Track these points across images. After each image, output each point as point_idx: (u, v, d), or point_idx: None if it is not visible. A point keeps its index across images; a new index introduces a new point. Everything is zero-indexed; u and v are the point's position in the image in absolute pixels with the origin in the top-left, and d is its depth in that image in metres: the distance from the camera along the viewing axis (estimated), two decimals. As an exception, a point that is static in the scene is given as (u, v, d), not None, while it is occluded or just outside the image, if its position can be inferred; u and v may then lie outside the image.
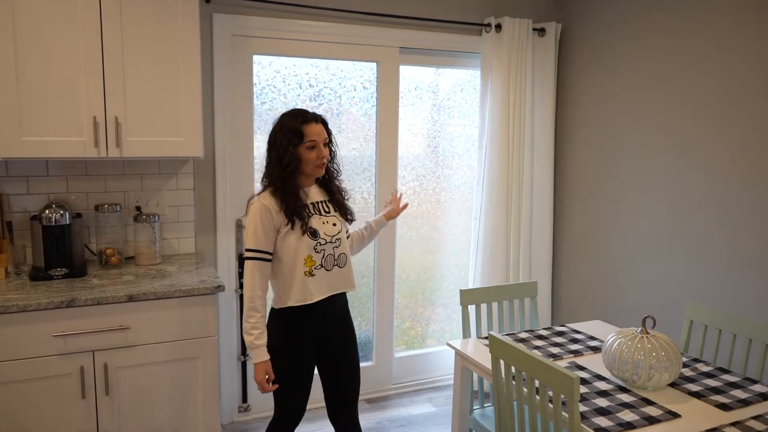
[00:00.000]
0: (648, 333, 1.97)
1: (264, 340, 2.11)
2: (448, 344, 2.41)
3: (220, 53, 3.00)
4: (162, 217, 2.97)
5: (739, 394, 1.96)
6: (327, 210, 2.23)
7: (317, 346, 2.24)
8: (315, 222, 2.16)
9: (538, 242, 3.69)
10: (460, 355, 2.36)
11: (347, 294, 2.32)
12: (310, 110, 2.18)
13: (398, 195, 2.58)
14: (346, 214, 2.30)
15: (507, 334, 2.48)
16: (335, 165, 2.28)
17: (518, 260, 3.63)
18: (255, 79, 3.15)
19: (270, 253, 2.13)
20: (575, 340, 2.42)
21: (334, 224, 2.21)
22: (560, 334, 2.50)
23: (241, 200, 3.16)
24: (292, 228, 2.10)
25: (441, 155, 3.73)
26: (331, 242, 2.17)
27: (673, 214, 3.00)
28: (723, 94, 2.73)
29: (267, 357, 2.11)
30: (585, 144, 3.52)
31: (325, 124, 2.19)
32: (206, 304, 2.50)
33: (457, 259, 3.82)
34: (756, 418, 1.79)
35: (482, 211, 3.57)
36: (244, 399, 3.32)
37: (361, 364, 2.99)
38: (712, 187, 2.80)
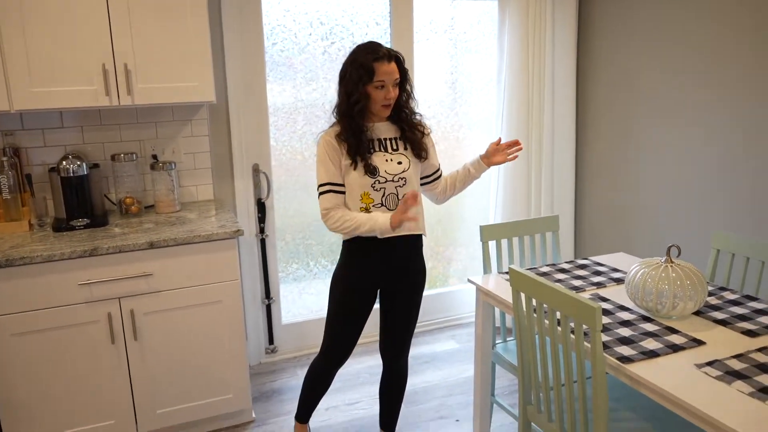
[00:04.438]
0: (672, 262, 1.93)
1: (372, 214, 2.06)
2: (469, 280, 2.41)
3: (227, -7, 2.92)
4: (179, 164, 2.96)
5: (766, 320, 1.92)
6: (395, 147, 2.16)
7: (381, 284, 2.23)
8: (377, 159, 2.11)
9: (559, 177, 3.61)
10: (481, 291, 2.35)
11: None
12: (384, 46, 2.07)
13: (503, 142, 2.34)
14: (419, 151, 2.19)
15: (528, 269, 2.46)
16: (410, 105, 2.18)
17: (540, 196, 3.57)
18: (264, 19, 3.07)
19: (341, 185, 2.11)
20: (598, 273, 2.40)
21: (400, 162, 2.14)
22: (582, 267, 2.47)
23: (256, 145, 3.14)
24: (355, 167, 2.08)
25: (459, 92, 3.64)
26: (392, 181, 2.11)
27: (698, 143, 2.90)
28: (753, 20, 2.58)
29: (387, 219, 2.03)
30: (608, 76, 3.38)
31: (399, 62, 2.08)
32: (227, 248, 2.51)
33: (478, 197, 3.77)
34: (783, 343, 1.76)
35: (502, 147, 3.50)
36: (271, 341, 3.38)
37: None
38: (738, 114, 2.69)
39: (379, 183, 2.10)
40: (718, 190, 2.83)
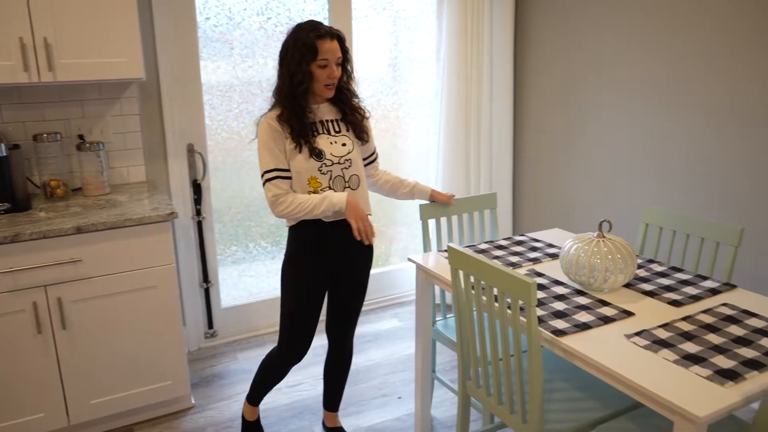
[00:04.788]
0: (604, 237, 1.99)
1: (325, 193, 2.04)
2: (409, 259, 2.41)
3: (155, -35, 2.78)
4: (107, 144, 2.83)
5: (690, 290, 2.01)
6: (337, 129, 2.14)
7: (330, 266, 2.19)
8: (321, 142, 2.08)
9: (498, 155, 3.66)
10: (421, 269, 2.36)
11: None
12: (325, 24, 2.02)
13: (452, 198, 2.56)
14: (360, 134, 2.19)
15: (468, 246, 2.49)
16: (351, 86, 2.16)
17: (479, 174, 3.62)
18: (195, -7, 2.95)
19: (287, 170, 2.06)
20: (534, 249, 2.45)
21: (344, 144, 2.12)
22: (519, 243, 2.52)
23: (190, 124, 3.04)
24: (300, 150, 2.03)
25: (399, 70, 3.62)
26: (339, 163, 2.09)
27: (628, 122, 2.99)
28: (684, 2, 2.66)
29: (345, 194, 2.05)
30: (547, 56, 3.44)
31: (341, 41, 2.04)
32: (160, 232, 2.43)
33: (418, 175, 3.78)
34: (705, 311, 1.85)
35: (442, 125, 3.51)
36: (210, 325, 3.32)
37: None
38: (663, 93, 2.78)
39: (326, 166, 2.07)
40: (648, 167, 2.94)
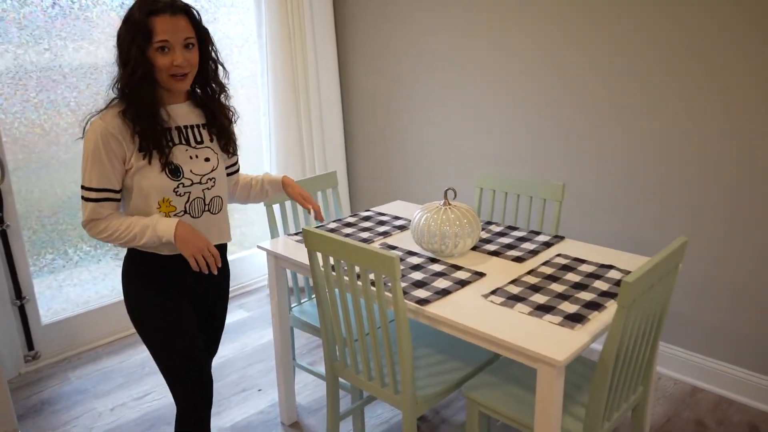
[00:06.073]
0: (450, 204, 2.07)
1: (149, 220, 1.60)
2: (259, 246, 2.31)
3: None
4: None
5: (528, 246, 2.18)
6: (199, 139, 1.70)
7: (192, 299, 1.79)
8: (179, 155, 1.64)
9: (329, 133, 3.64)
10: (272, 256, 2.28)
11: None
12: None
13: (314, 211, 1.99)
14: (227, 145, 1.77)
15: (316, 227, 2.45)
16: (218, 78, 1.72)
17: (312, 154, 3.57)
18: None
19: (117, 191, 1.61)
20: (382, 222, 2.48)
21: (207, 158, 1.70)
22: (367, 219, 2.54)
23: (-22, 119, 2.59)
24: (149, 162, 1.59)
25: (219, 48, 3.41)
26: (200, 183, 1.67)
27: (456, 90, 3.14)
28: (490, -32, 2.83)
29: (173, 222, 1.60)
30: (367, 34, 3.46)
31: (190, 16, 1.60)
32: (-43, 248, 2.05)
33: (251, 159, 3.64)
34: (545, 264, 2.01)
35: (271, 106, 3.40)
36: (30, 347, 2.91)
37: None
38: (487, 65, 2.96)
39: (183, 186, 1.64)
40: (477, 133, 3.11)
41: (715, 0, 2.23)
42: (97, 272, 3.13)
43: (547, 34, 2.71)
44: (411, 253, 2.14)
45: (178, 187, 1.64)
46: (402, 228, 2.40)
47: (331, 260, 1.84)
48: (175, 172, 1.63)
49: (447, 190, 2.11)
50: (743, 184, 2.30)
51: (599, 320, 1.65)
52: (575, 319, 1.64)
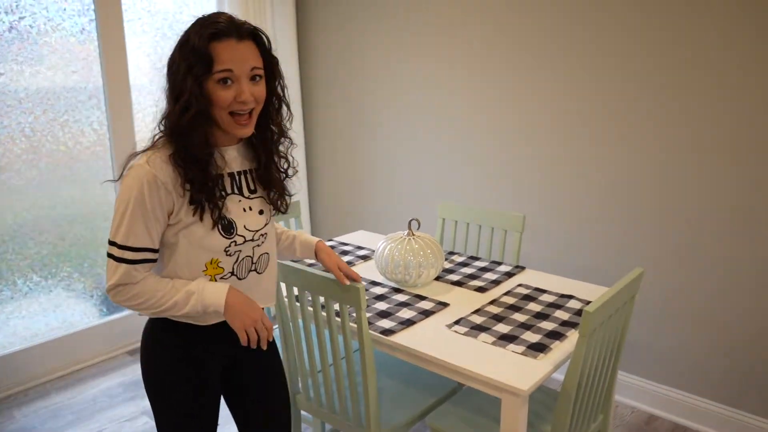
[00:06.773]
0: (414, 234, 2.09)
1: (194, 285, 1.35)
2: (219, 277, 2.27)
3: None
4: None
5: (490, 276, 2.21)
6: (252, 188, 1.45)
7: (223, 376, 1.55)
8: (232, 208, 1.39)
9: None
10: (233, 286, 2.24)
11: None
12: (234, 17, 1.32)
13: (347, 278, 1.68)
14: (277, 201, 1.49)
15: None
16: (279, 119, 1.45)
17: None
18: None
19: (156, 251, 1.35)
20: (345, 252, 2.48)
21: (261, 211, 1.45)
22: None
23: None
24: (201, 219, 1.33)
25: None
26: (252, 240, 1.42)
27: (420, 121, 3.19)
28: None
29: (224, 288, 1.37)
30: (333, 57, 3.50)
31: (258, 42, 1.35)
32: None
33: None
34: (507, 293, 2.04)
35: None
36: (-27, 382, 2.77)
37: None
38: (458, 89, 3.03)
39: (235, 245, 1.39)
40: (440, 164, 3.16)
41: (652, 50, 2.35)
42: (47, 304, 3.02)
43: (512, 68, 2.79)
44: (375, 283, 2.14)
45: (230, 246, 1.38)
46: (365, 258, 2.41)
47: (296, 291, 1.83)
48: (228, 228, 1.37)
49: (411, 220, 2.13)
50: (699, 215, 2.40)
51: (561, 349, 1.68)
52: (538, 348, 1.67)
